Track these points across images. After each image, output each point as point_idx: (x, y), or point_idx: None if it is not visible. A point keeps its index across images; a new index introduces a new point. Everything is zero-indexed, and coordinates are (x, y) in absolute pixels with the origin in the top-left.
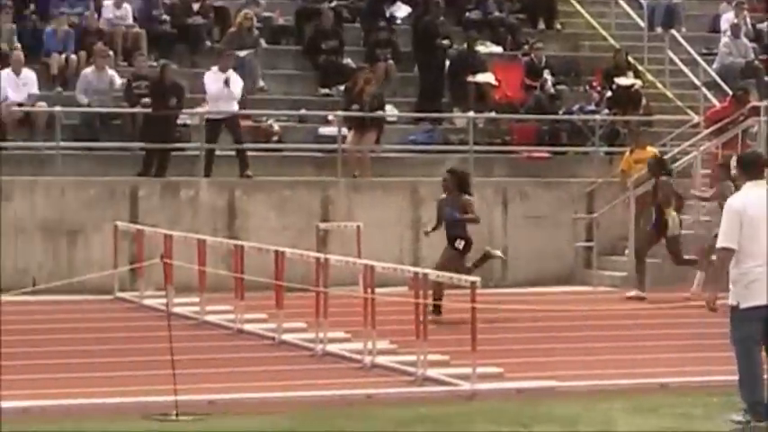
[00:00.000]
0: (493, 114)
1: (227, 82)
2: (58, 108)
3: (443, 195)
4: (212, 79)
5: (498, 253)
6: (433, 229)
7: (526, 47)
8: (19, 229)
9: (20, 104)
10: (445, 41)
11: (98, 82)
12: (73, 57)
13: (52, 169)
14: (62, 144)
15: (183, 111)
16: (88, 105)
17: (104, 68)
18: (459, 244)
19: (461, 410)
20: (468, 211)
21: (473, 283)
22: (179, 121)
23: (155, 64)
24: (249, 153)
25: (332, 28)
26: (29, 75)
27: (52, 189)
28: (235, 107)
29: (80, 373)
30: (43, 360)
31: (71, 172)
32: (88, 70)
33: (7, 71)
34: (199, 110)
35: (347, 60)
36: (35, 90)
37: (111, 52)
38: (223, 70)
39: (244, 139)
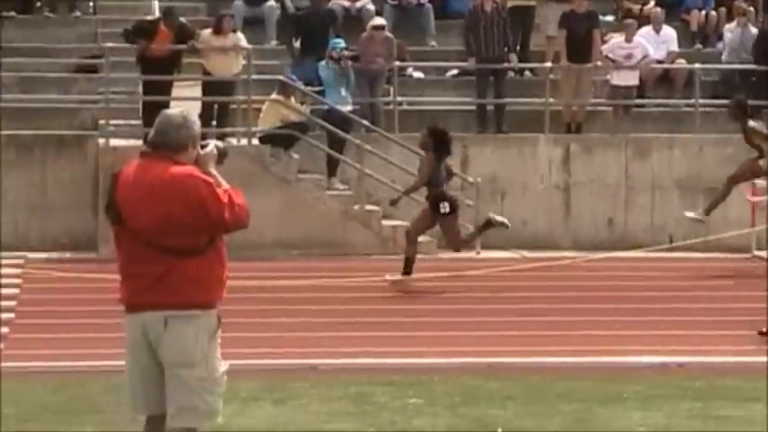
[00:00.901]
0: None
1: None
2: (697, 65)
3: None
4: None
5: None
6: None
7: None
8: (656, 185)
9: (659, 62)
10: None
11: (739, 38)
12: (713, 13)
13: (690, 127)
14: (701, 101)
15: None
16: (729, 62)
17: (746, 25)
18: None
19: None
20: None
21: None
22: None
23: None
24: None
25: None
26: (669, 32)
27: (690, 146)
28: None
29: (704, 331)
30: (678, 317)
31: (709, 129)
32: (730, 26)
33: (647, 29)
34: None
35: None
36: (675, 47)
37: (751, 8)
38: None
39: None
